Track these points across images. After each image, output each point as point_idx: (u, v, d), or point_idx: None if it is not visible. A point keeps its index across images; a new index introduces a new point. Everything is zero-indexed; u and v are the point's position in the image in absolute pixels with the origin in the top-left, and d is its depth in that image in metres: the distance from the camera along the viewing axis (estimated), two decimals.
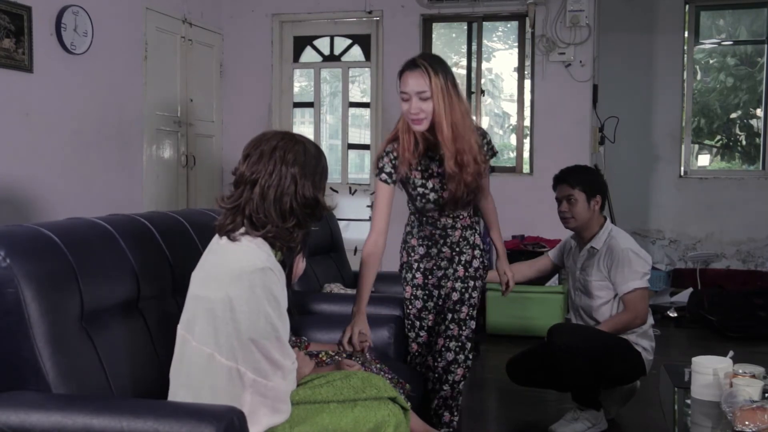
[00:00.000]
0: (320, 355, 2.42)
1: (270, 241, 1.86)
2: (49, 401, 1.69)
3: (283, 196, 1.84)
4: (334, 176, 6.31)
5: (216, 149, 6.02)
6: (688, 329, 5.56)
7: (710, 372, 2.39)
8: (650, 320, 3.37)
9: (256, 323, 1.75)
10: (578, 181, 3.36)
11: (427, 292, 2.81)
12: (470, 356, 2.80)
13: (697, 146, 7.14)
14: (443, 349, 2.77)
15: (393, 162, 2.69)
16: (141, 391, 1.98)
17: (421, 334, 2.83)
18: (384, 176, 2.71)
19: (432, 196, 2.70)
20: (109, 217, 2.18)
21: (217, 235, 1.90)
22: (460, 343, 2.77)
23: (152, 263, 2.15)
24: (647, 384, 3.54)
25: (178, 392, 1.83)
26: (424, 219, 2.79)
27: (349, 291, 3.63)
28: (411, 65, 2.58)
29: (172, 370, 1.86)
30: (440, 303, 2.80)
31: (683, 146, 6.76)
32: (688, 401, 2.44)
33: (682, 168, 6.77)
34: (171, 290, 2.21)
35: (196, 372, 1.79)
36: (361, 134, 6.35)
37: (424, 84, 2.52)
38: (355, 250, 5.84)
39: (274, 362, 1.78)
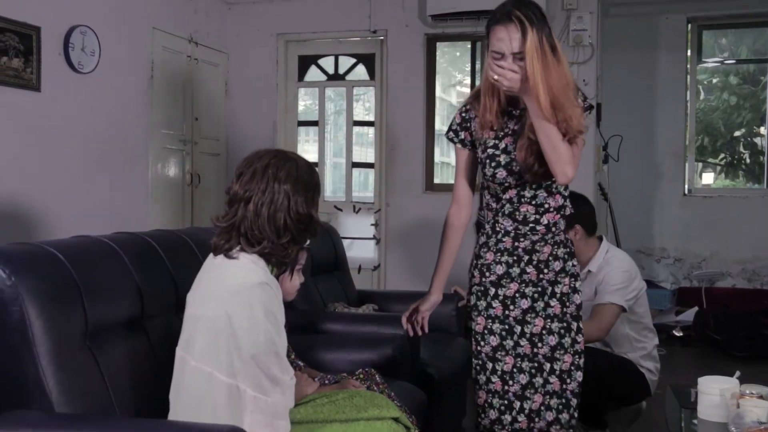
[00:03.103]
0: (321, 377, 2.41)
1: (265, 257, 1.87)
2: (52, 420, 1.69)
3: (276, 213, 1.85)
4: (338, 194, 6.32)
5: (221, 168, 6.03)
6: (694, 348, 5.53)
7: (717, 392, 2.37)
8: (655, 341, 3.36)
9: (256, 339, 1.75)
10: None
11: (506, 326, 2.25)
12: (575, 415, 2.29)
13: (700, 164, 7.15)
14: (542, 408, 2.25)
15: (463, 115, 2.32)
16: (144, 410, 1.98)
17: (493, 379, 2.26)
18: (450, 134, 2.35)
19: (503, 158, 2.21)
20: (114, 236, 2.19)
21: (211, 255, 1.91)
22: (563, 401, 2.25)
23: (156, 282, 2.16)
24: (653, 404, 3.52)
25: (178, 414, 1.82)
26: (501, 207, 2.25)
27: (353, 310, 3.62)
28: (504, 17, 2.07)
29: (172, 392, 1.85)
30: (523, 344, 2.24)
31: (687, 164, 6.77)
32: (695, 422, 2.42)
33: (686, 186, 6.77)
34: (175, 309, 2.20)
35: (195, 392, 1.78)
36: (365, 153, 6.37)
37: (519, 42, 2.04)
38: (359, 269, 5.83)
39: (273, 378, 1.78)
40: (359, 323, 3.25)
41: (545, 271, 2.23)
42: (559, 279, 2.24)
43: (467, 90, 6.07)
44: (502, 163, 2.21)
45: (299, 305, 3.43)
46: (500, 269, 2.26)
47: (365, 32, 5.97)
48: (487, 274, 2.27)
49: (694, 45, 6.74)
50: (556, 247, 2.24)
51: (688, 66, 6.73)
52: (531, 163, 2.14)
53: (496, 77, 2.06)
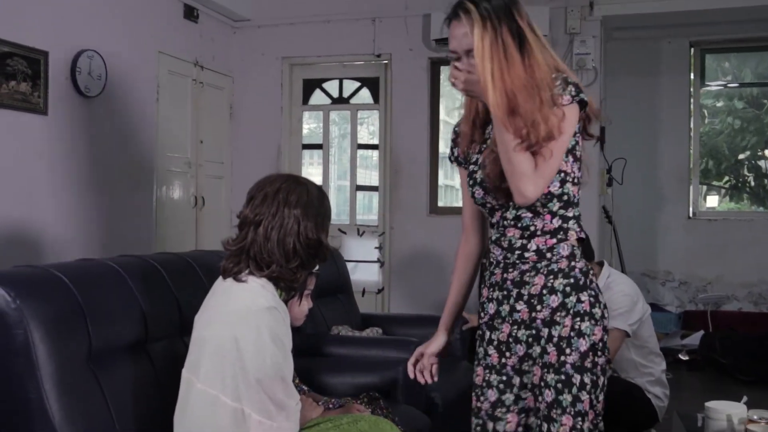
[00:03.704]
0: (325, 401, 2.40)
1: (274, 281, 1.87)
2: None
3: (286, 237, 1.86)
4: (342, 217, 6.33)
5: (225, 190, 6.05)
6: (700, 372, 5.49)
7: (724, 418, 2.35)
8: (662, 365, 3.33)
9: (262, 363, 1.75)
10: None
11: (504, 377, 1.83)
12: None
13: (705, 187, 7.14)
14: None
15: (456, 130, 1.99)
16: None
17: None
18: (449, 152, 2.05)
19: (479, 174, 1.86)
20: (119, 259, 2.19)
21: (220, 278, 1.91)
22: None
23: (161, 305, 2.16)
24: (662, 430, 3.48)
25: None
26: (493, 235, 1.90)
27: (357, 333, 3.61)
28: (453, 11, 1.80)
29: (177, 414, 1.85)
30: (526, 396, 1.83)
31: (691, 187, 6.76)
32: None
33: (691, 209, 6.76)
34: (179, 332, 2.20)
35: (200, 414, 1.78)
36: (369, 175, 6.38)
37: (468, 38, 1.74)
38: (363, 292, 5.82)
39: (278, 403, 1.78)
40: (363, 347, 3.23)
41: (538, 308, 1.78)
42: (556, 318, 1.77)
43: None
44: (478, 180, 1.87)
45: (303, 329, 3.42)
46: (492, 308, 1.86)
47: (369, 56, 6.01)
48: (482, 314, 1.89)
49: (697, 69, 6.77)
50: (551, 277, 1.79)
51: (692, 89, 6.75)
52: (493, 178, 1.80)
53: (451, 79, 1.81)
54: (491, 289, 1.86)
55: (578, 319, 1.77)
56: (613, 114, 6.31)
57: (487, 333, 1.87)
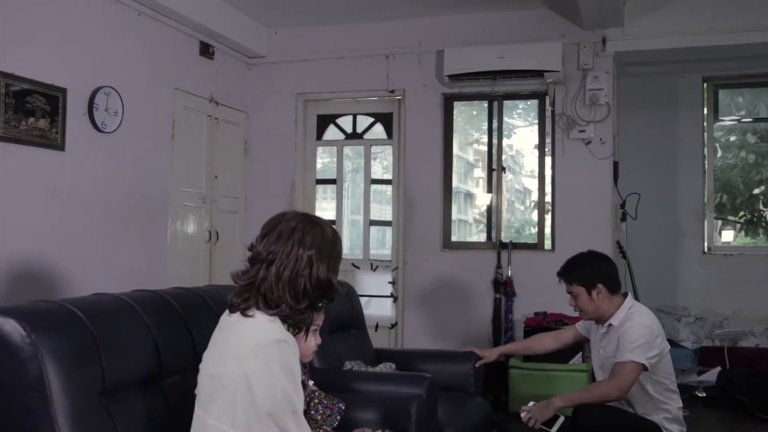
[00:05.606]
0: None
1: (282, 319, 1.87)
2: None
3: (298, 278, 1.86)
4: (355, 252, 6.33)
5: (239, 225, 6.08)
6: (718, 410, 5.39)
7: None
8: (679, 402, 3.28)
9: (273, 397, 1.75)
10: (573, 278, 3.30)
11: None
12: None
13: (720, 222, 7.09)
14: None
15: None
16: None
17: None
18: None
19: None
20: (133, 293, 2.20)
21: (226, 312, 1.92)
22: None
23: (175, 340, 2.16)
24: None
25: None
26: None
27: (370, 368, 3.59)
28: None
29: None
30: None
31: (706, 222, 6.72)
32: None
33: (706, 244, 6.71)
34: (193, 367, 2.18)
35: None
36: (382, 210, 6.40)
37: None
38: (377, 327, 5.80)
39: None
40: (376, 382, 3.21)
41: None
42: None
43: (484, 148, 6.12)
44: None
45: (316, 364, 3.41)
46: None
47: (383, 92, 6.07)
48: None
49: (710, 104, 6.77)
50: None
51: (705, 124, 6.75)
52: None
53: None
54: None
55: None
56: (626, 149, 6.32)
57: None
